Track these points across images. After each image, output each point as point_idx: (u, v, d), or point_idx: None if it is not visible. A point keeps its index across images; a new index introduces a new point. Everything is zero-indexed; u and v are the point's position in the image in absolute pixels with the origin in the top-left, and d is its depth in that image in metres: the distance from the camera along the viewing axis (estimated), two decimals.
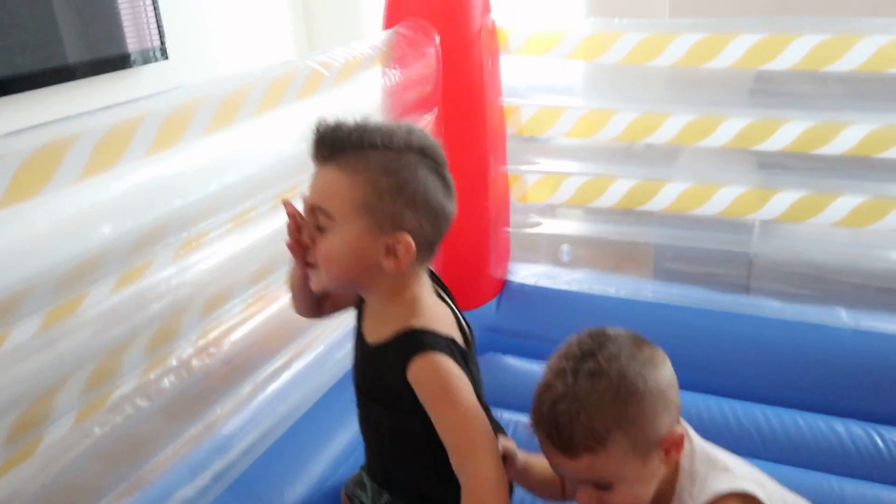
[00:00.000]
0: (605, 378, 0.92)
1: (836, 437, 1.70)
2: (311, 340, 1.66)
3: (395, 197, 1.00)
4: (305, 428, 1.70)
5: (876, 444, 1.67)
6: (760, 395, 1.86)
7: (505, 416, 1.80)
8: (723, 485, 1.00)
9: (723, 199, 1.98)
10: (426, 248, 1.06)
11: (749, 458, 1.65)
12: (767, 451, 1.69)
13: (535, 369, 2.02)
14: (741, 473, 1.05)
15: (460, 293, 2.18)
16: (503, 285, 2.33)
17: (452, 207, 1.08)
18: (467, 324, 1.19)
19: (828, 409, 1.79)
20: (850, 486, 1.57)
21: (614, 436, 0.90)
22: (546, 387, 0.95)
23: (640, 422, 0.92)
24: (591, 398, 0.90)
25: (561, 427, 0.91)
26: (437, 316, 1.10)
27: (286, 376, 1.59)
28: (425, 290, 1.12)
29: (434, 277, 1.20)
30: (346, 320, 1.43)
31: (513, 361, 2.10)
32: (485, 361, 2.08)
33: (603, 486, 0.93)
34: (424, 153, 1.03)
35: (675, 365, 1.99)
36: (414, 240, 1.02)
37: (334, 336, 1.74)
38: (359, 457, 1.38)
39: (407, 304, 1.09)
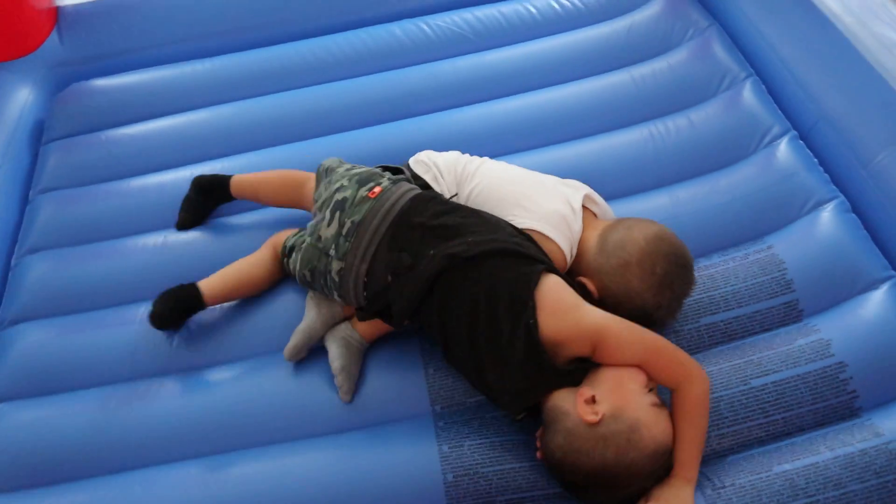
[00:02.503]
0: None
1: (397, 39, 2.02)
2: None
3: None
4: None
5: (424, 31, 2.02)
6: (324, 29, 2.09)
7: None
8: None
9: None
10: None
11: (319, 84, 1.93)
12: (341, 73, 1.96)
13: (126, 81, 2.01)
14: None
15: (7, 42, 1.99)
16: (56, 15, 2.14)
17: None
18: None
19: (383, 19, 2.08)
20: (414, 72, 1.92)
21: None
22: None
23: None
24: None
25: None
26: None
27: None
28: None
29: None
30: None
31: (102, 83, 2.04)
32: (73, 94, 2.02)
33: None
34: None
35: (259, 26, 2.10)
36: None
37: None
38: None
39: None
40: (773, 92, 1.71)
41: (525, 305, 1.18)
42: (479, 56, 1.95)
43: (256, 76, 1.98)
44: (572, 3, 2.04)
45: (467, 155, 1.52)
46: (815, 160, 1.56)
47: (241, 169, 1.74)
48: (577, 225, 1.34)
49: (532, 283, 1.19)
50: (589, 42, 1.91)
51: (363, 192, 1.33)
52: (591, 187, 1.60)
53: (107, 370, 1.48)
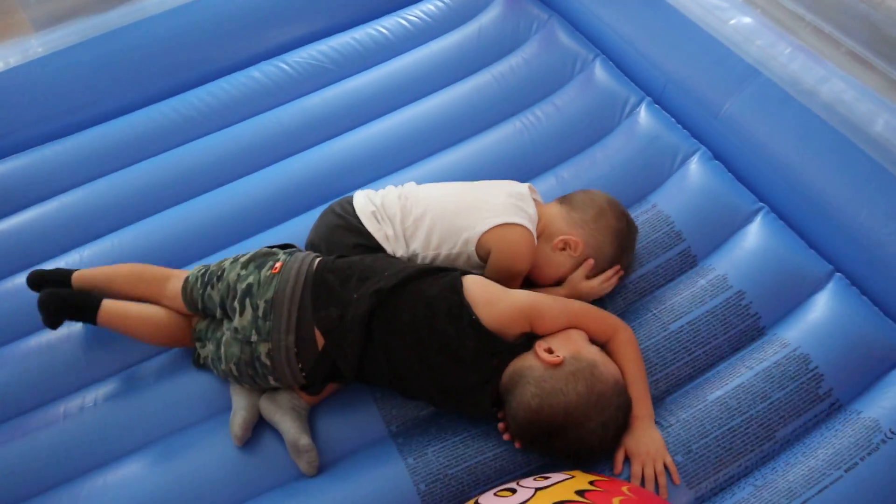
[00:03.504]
0: None
1: (258, 82, 2.02)
2: None
3: None
4: None
5: (284, 70, 2.03)
6: (181, 86, 2.06)
7: None
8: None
9: None
10: None
11: (190, 141, 1.90)
12: (210, 126, 1.94)
13: None
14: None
15: None
16: None
17: None
18: None
19: (240, 66, 2.08)
20: (285, 111, 1.94)
21: None
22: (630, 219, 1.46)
23: None
24: None
25: None
26: None
27: None
28: None
29: None
30: None
31: None
32: None
33: None
34: None
35: (114, 93, 2.01)
36: None
37: None
38: None
39: None
40: (621, 66, 1.87)
41: (462, 307, 1.26)
42: (344, 84, 1.99)
43: (123, 145, 1.92)
44: (419, 18, 2.12)
45: (400, 187, 1.54)
46: (673, 119, 1.72)
47: (133, 238, 1.70)
48: (531, 208, 1.44)
49: (458, 287, 1.29)
50: (445, 51, 2.00)
51: (266, 272, 1.35)
52: None
53: (45, 474, 1.39)
